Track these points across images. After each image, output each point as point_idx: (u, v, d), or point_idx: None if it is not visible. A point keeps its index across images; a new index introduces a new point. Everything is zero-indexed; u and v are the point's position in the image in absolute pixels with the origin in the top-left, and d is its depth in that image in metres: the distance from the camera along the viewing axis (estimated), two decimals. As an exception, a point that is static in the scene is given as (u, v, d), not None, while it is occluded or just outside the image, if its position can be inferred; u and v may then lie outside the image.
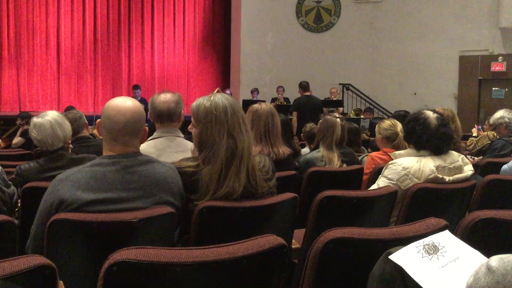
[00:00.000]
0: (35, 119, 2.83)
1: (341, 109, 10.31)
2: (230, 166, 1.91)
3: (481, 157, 4.84)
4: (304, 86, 8.17)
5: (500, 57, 11.17)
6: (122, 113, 1.83)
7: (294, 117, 7.72)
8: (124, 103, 1.86)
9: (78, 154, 2.91)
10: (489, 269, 0.93)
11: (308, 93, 8.16)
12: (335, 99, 10.37)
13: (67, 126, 2.86)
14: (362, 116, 9.73)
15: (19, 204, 2.63)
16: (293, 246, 2.28)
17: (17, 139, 7.43)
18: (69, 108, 8.87)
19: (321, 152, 3.51)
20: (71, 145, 2.99)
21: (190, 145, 2.21)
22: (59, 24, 11.87)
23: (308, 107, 7.79)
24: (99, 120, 1.89)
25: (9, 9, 11.35)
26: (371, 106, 11.36)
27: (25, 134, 7.43)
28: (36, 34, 11.63)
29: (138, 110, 1.87)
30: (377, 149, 3.84)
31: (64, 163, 2.71)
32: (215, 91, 2.18)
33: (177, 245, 2.05)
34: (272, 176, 2.11)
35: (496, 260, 0.94)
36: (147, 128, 1.94)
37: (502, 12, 10.84)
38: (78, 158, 2.77)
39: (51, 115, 2.83)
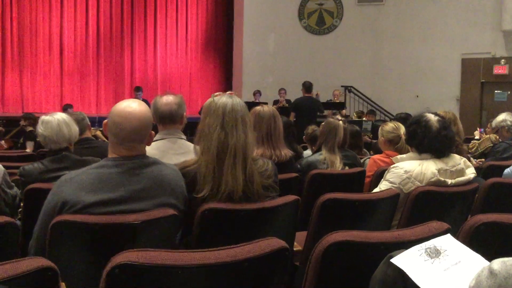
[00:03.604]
0: (43, 117, 2.89)
1: (344, 111, 10.34)
2: (223, 159, 1.95)
3: (483, 159, 4.83)
4: (307, 87, 8.21)
5: (503, 60, 11.15)
6: (129, 120, 1.82)
7: (291, 117, 7.73)
8: (133, 109, 1.83)
9: (81, 155, 2.92)
10: (491, 272, 0.93)
11: (309, 95, 8.30)
12: (337, 101, 10.41)
13: (74, 128, 2.90)
14: (364, 119, 9.72)
15: (21, 205, 2.64)
16: (295, 249, 2.28)
17: (29, 144, 7.27)
18: (67, 106, 8.87)
19: (323, 154, 3.50)
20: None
21: (192, 146, 2.21)
22: (62, 25, 11.90)
23: (306, 108, 7.89)
24: (106, 120, 1.89)
25: (12, 10, 11.38)
26: (373, 109, 11.34)
27: (32, 136, 7.37)
28: (39, 36, 11.66)
29: (145, 116, 1.86)
30: (379, 152, 3.83)
31: (69, 164, 2.72)
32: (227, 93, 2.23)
33: (179, 247, 2.05)
34: (275, 180, 2.11)
35: (498, 263, 0.94)
36: (153, 132, 1.95)
37: (505, 15, 10.83)
38: (82, 160, 2.78)
39: (61, 115, 2.90)
